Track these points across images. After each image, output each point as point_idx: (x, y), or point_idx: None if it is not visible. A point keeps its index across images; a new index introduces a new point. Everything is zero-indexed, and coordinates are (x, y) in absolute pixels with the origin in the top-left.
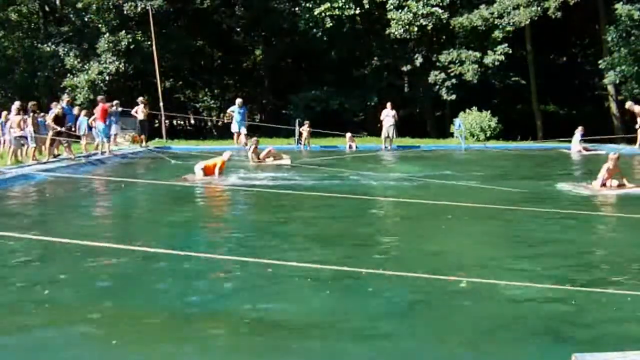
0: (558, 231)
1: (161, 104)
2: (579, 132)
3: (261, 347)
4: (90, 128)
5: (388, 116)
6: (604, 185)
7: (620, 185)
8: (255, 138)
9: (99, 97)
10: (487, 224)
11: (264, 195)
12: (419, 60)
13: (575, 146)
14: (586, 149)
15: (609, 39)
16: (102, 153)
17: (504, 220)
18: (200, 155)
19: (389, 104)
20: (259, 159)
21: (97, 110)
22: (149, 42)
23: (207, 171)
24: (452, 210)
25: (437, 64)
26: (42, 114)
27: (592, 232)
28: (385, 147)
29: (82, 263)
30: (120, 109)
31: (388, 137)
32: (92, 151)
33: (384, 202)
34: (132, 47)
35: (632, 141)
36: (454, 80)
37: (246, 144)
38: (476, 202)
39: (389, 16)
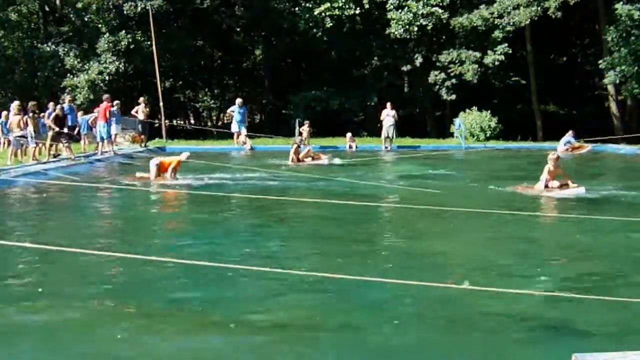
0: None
1: (161, 104)
2: (569, 135)
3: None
4: (90, 128)
5: (388, 116)
6: (546, 186)
7: (563, 186)
8: (298, 138)
9: (105, 96)
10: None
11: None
12: (419, 60)
13: (561, 147)
14: (572, 149)
15: (609, 39)
16: (102, 153)
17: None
18: (202, 156)
19: (388, 104)
20: (298, 159)
21: (100, 110)
22: (149, 42)
23: (162, 168)
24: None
25: (437, 64)
26: (42, 114)
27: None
28: (385, 147)
29: None
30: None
31: (388, 137)
32: (92, 151)
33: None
34: (132, 47)
35: (633, 141)
36: (454, 80)
37: (245, 143)
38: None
39: (389, 16)
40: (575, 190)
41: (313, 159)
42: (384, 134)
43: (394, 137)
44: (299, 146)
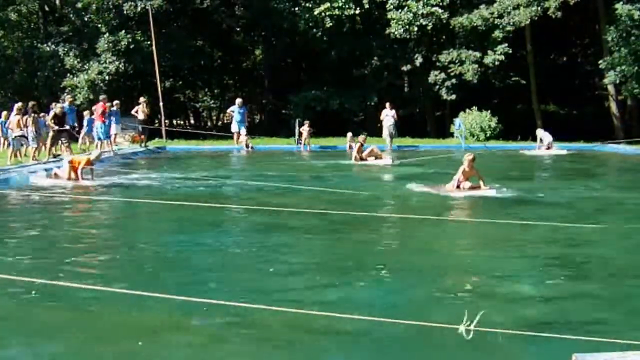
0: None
1: (161, 104)
2: (542, 132)
3: None
4: (91, 128)
5: (388, 116)
6: (458, 187)
7: (474, 187)
8: (362, 136)
9: (101, 97)
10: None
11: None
12: (419, 60)
13: (548, 139)
14: (549, 147)
15: (609, 39)
16: (102, 153)
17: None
18: (200, 156)
19: (387, 104)
20: (361, 157)
21: (97, 110)
22: (149, 42)
23: (73, 168)
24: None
25: (437, 64)
26: (42, 114)
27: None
28: (387, 146)
29: None
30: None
31: (389, 136)
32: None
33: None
34: (132, 47)
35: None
36: (454, 80)
37: (247, 145)
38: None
39: (389, 16)
40: (486, 192)
41: (376, 158)
42: (385, 133)
43: (395, 136)
44: (362, 144)
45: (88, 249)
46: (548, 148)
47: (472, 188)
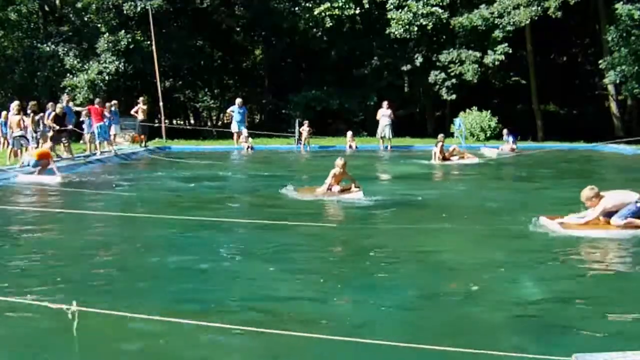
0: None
1: (161, 103)
2: (507, 133)
3: None
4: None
5: (384, 116)
6: (329, 189)
7: (344, 190)
8: (441, 135)
9: (97, 100)
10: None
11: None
12: (419, 60)
13: (507, 146)
14: (513, 149)
15: (609, 39)
16: (102, 153)
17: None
18: (202, 156)
19: (384, 104)
20: (444, 157)
21: (93, 111)
22: (149, 42)
23: (44, 157)
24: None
25: (437, 64)
26: (41, 114)
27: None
28: (385, 146)
29: None
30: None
31: (384, 136)
32: (93, 151)
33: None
34: (131, 47)
35: (632, 141)
36: (454, 80)
37: (250, 147)
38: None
39: (389, 16)
40: (354, 195)
41: (460, 157)
42: (379, 133)
43: (391, 136)
44: (443, 144)
45: None
46: (512, 150)
47: (342, 191)
